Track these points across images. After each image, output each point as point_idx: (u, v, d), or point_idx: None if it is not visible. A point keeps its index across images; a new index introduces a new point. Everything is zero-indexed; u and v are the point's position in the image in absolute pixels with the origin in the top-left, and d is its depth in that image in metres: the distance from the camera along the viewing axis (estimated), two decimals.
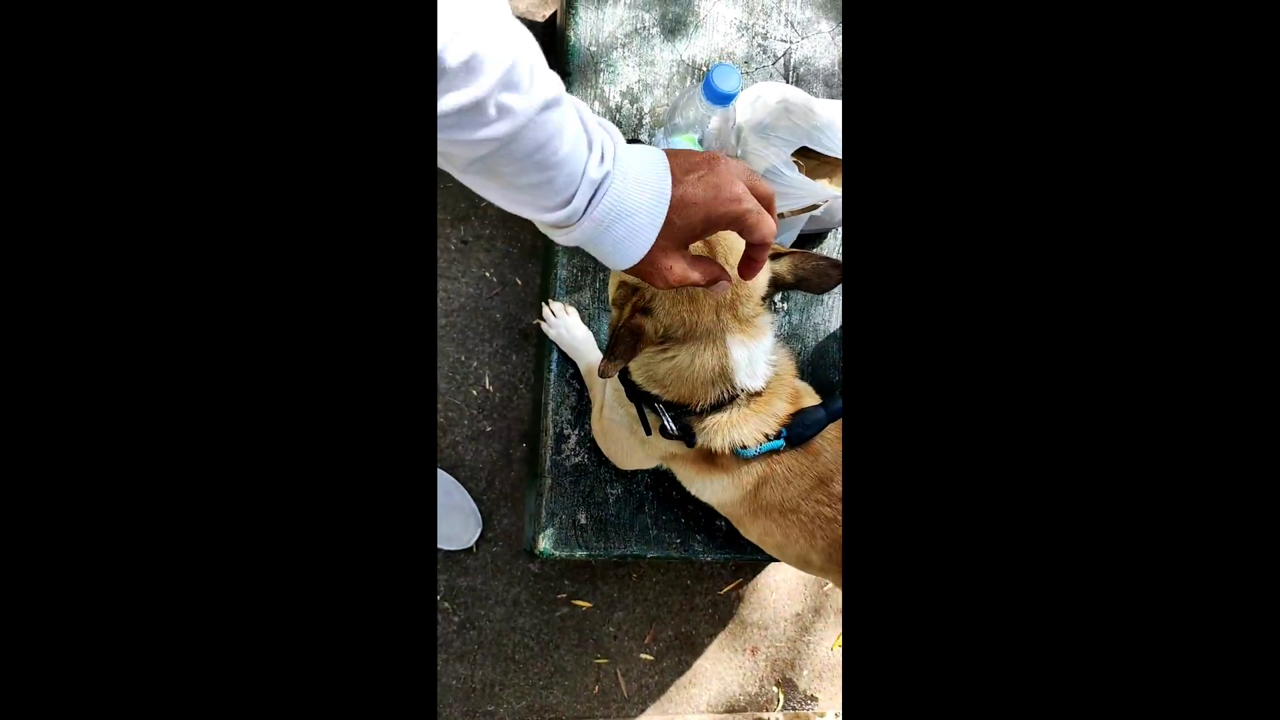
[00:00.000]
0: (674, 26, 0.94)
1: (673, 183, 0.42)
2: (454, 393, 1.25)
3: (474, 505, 1.22)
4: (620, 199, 0.41)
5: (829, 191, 0.70)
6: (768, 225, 0.44)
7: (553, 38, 1.46)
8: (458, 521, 1.18)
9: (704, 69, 0.93)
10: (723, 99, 0.65)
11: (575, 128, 0.39)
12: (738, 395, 0.60)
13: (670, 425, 0.61)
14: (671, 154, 0.44)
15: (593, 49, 0.91)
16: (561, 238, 0.43)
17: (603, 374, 0.54)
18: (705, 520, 0.85)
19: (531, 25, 1.51)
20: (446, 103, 0.33)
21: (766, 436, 0.62)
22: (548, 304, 0.82)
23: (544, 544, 0.80)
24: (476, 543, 1.22)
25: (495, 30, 0.34)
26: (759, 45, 0.95)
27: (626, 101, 0.90)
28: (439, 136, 0.35)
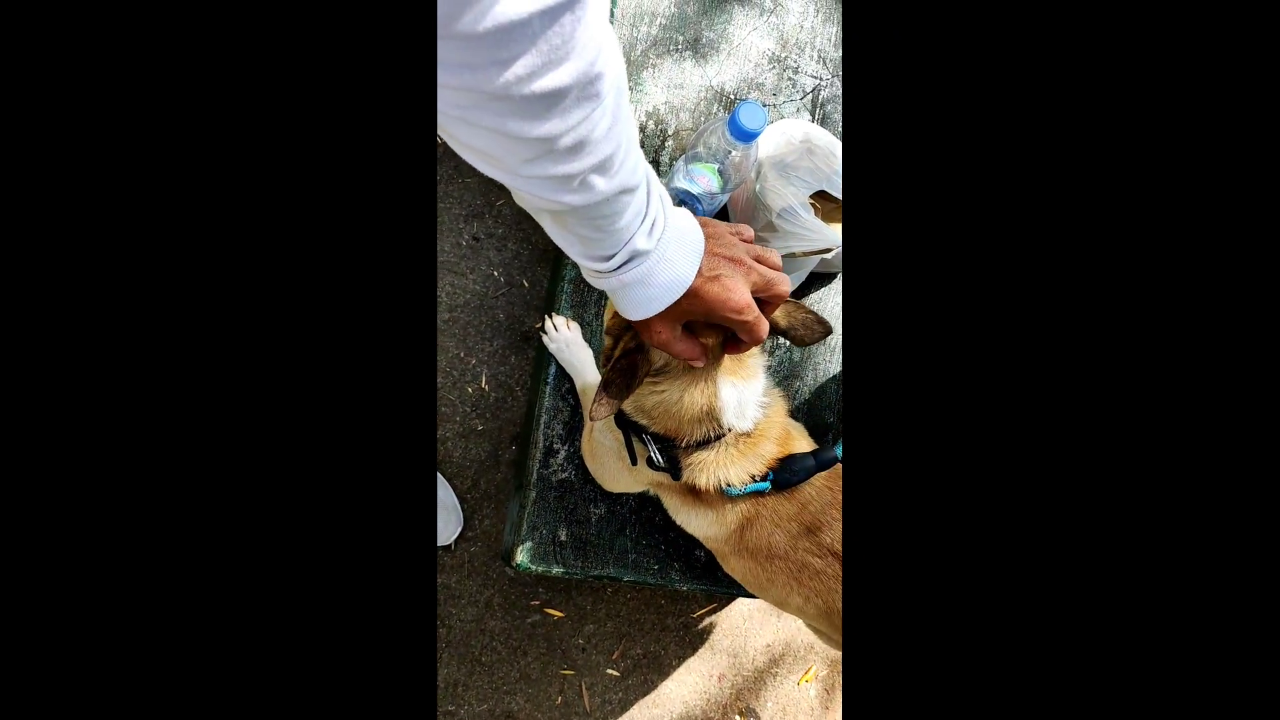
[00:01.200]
0: (706, 52, 0.94)
1: (695, 273, 0.46)
2: (450, 389, 1.25)
3: (457, 502, 1.21)
4: (650, 272, 0.45)
5: (838, 239, 0.70)
6: (760, 332, 0.50)
7: None
8: (439, 518, 1.18)
9: (732, 96, 0.93)
10: (747, 136, 0.65)
11: (640, 204, 0.42)
12: (725, 434, 0.60)
13: (657, 457, 0.61)
14: (707, 240, 0.48)
15: (625, 65, 0.91)
16: (586, 275, 0.47)
17: (593, 417, 0.54)
18: (685, 549, 0.84)
19: None
20: (542, 170, 0.35)
21: (753, 477, 0.62)
22: (551, 317, 0.82)
23: (521, 557, 0.79)
24: (455, 540, 1.21)
25: (610, 120, 0.35)
26: (789, 79, 0.95)
27: (651, 122, 0.90)
28: (521, 184, 0.37)
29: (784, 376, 0.88)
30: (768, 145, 0.77)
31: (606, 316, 0.62)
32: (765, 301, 0.51)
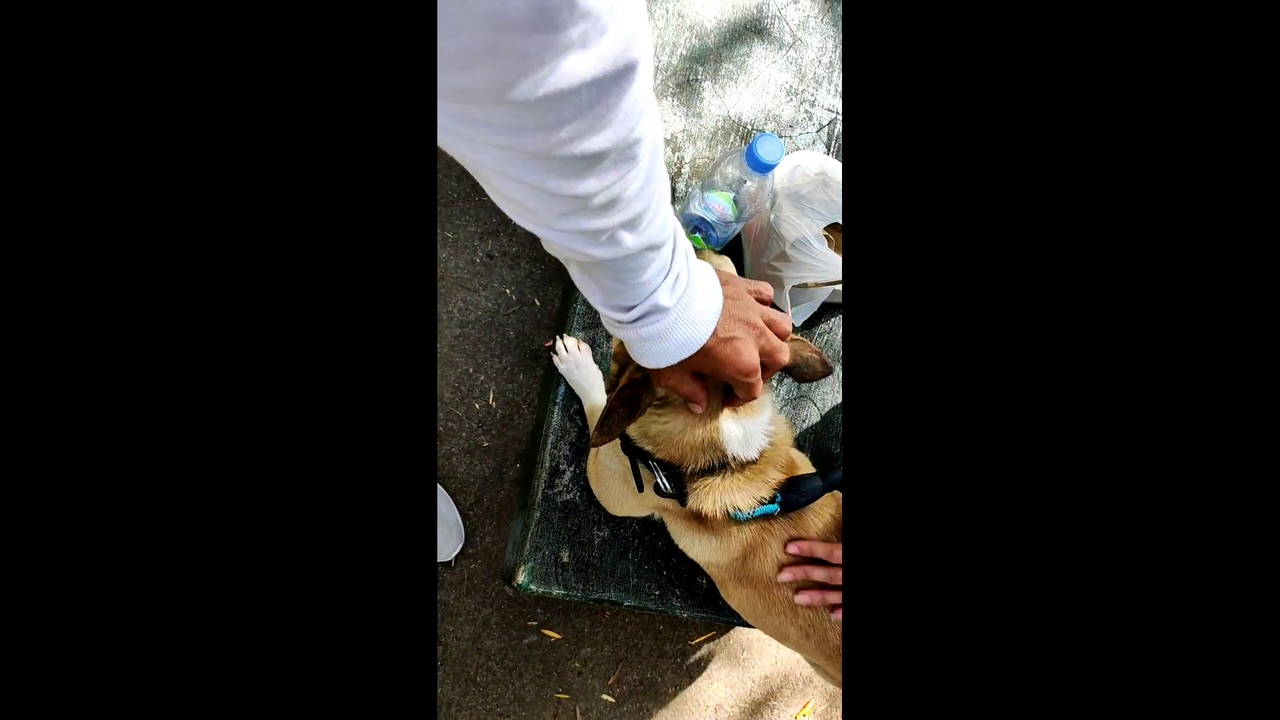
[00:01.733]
0: (724, 82, 0.95)
1: (711, 333, 0.47)
2: (457, 403, 1.26)
3: (459, 518, 1.21)
4: (669, 329, 0.46)
5: None
6: (758, 390, 0.53)
7: None
8: (440, 533, 1.17)
9: (749, 127, 0.94)
10: (763, 168, 0.66)
11: (665, 260, 0.42)
12: (729, 463, 0.60)
13: (664, 484, 0.61)
14: (727, 305, 0.49)
15: None
16: (605, 323, 0.48)
17: (594, 445, 0.54)
18: (687, 575, 0.84)
19: None
20: (574, 224, 0.36)
21: (760, 501, 0.62)
22: (562, 338, 0.83)
23: (523, 577, 0.79)
24: (456, 557, 1.21)
25: (644, 180, 0.36)
26: (805, 111, 0.97)
27: (669, 149, 0.92)
28: (553, 235, 0.38)
29: (790, 403, 0.88)
30: (783, 176, 0.78)
31: (615, 342, 0.63)
32: (764, 365, 0.53)
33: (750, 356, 0.50)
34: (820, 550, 0.63)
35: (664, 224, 0.41)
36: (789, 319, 0.55)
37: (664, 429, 0.58)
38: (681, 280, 0.45)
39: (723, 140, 0.93)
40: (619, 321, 0.46)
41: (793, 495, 0.62)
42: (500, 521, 1.24)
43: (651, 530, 0.83)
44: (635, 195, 0.36)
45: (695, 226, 0.81)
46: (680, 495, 0.61)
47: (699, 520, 0.65)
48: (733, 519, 0.63)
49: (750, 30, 0.98)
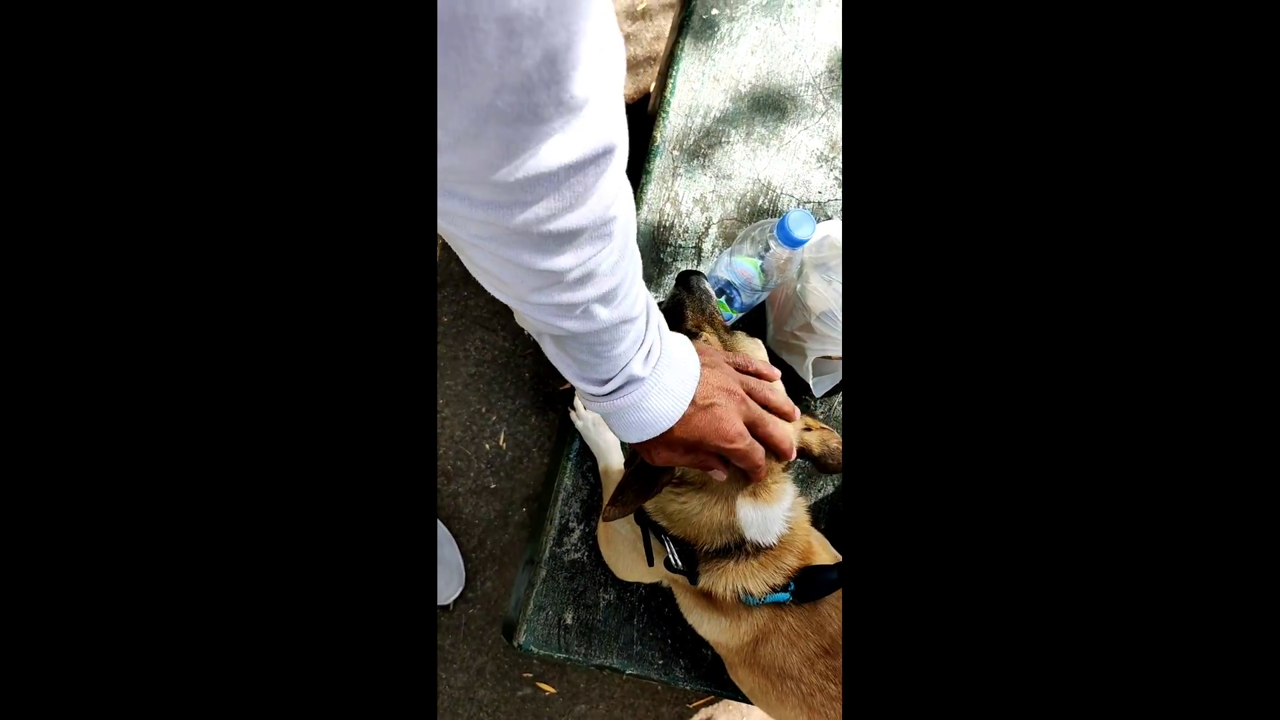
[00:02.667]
0: (755, 146, 0.96)
1: (689, 401, 0.47)
2: (467, 443, 1.25)
3: (461, 561, 1.19)
4: (644, 398, 0.46)
5: None
6: (754, 458, 0.51)
7: (642, 121, 1.52)
8: (441, 576, 1.15)
9: (778, 191, 0.95)
10: (794, 243, 0.66)
11: (638, 333, 0.43)
12: (745, 545, 0.59)
13: (675, 560, 0.59)
14: (703, 367, 0.49)
15: (675, 153, 0.93)
16: (582, 397, 0.48)
17: (605, 519, 0.53)
18: (693, 645, 0.81)
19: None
20: (548, 297, 0.36)
21: (773, 588, 0.60)
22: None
23: (524, 637, 0.77)
24: (455, 601, 1.19)
25: (617, 256, 0.36)
26: (835, 179, 0.97)
27: (698, 209, 0.92)
28: (527, 309, 0.38)
29: (807, 476, 0.87)
30: (812, 247, 0.78)
31: None
32: (762, 441, 0.52)
33: (732, 423, 0.49)
34: None
35: (636, 298, 0.41)
36: (788, 401, 0.54)
37: (681, 509, 0.57)
38: (655, 351, 0.45)
39: (751, 203, 0.94)
40: (594, 395, 0.46)
41: (806, 587, 0.60)
42: (503, 566, 1.22)
43: (658, 596, 0.81)
44: (609, 271, 0.36)
45: (721, 289, 0.81)
46: (691, 573, 0.60)
47: (709, 599, 0.63)
48: (744, 602, 0.61)
49: (784, 96, 0.99)
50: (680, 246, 0.90)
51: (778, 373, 0.58)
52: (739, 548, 0.59)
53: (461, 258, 0.37)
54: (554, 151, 0.27)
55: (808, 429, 0.62)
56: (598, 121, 0.28)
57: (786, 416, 0.53)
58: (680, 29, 1.01)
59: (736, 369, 0.54)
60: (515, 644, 0.77)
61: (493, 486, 1.24)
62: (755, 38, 1.01)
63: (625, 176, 0.34)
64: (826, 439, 0.58)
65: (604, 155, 0.29)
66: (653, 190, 0.91)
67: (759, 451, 0.51)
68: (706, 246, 0.91)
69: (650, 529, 0.61)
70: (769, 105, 0.99)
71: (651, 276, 0.89)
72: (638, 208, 0.91)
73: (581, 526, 0.80)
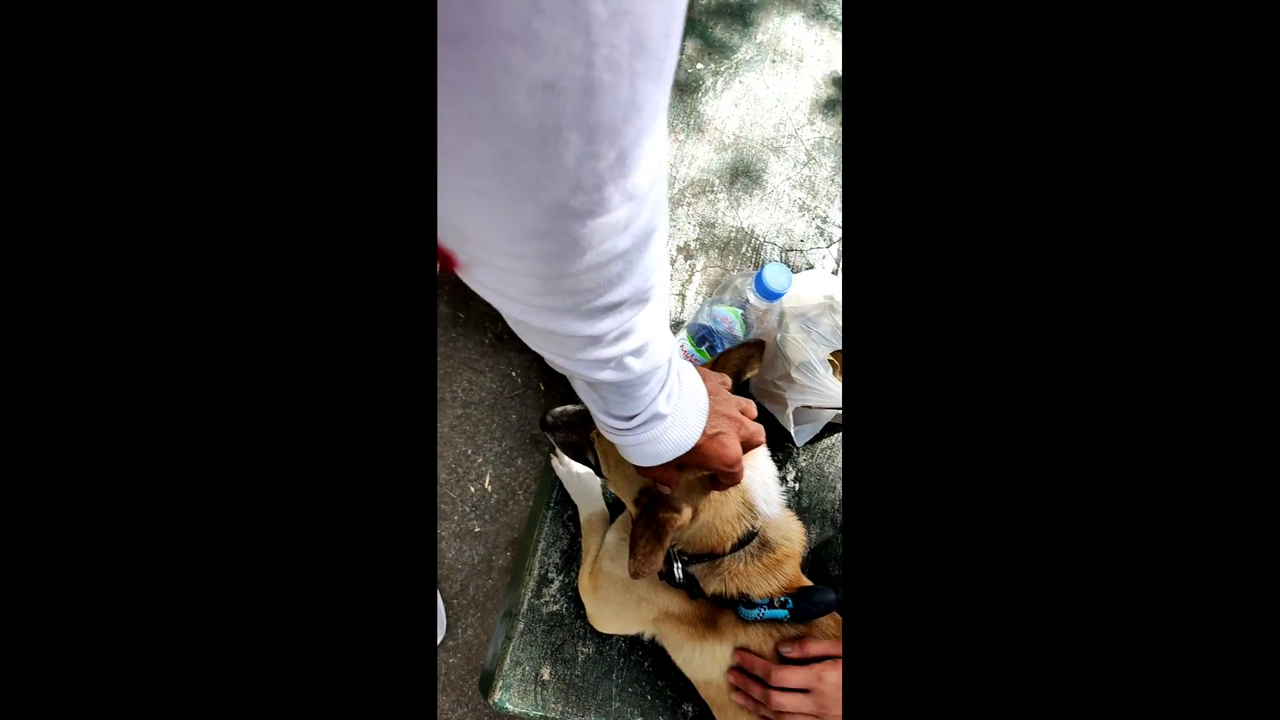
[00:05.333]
0: (739, 195, 0.98)
1: (701, 431, 0.51)
2: (452, 485, 1.24)
3: (443, 607, 1.17)
4: (664, 431, 0.49)
5: None
6: (740, 478, 0.56)
7: None
8: None
9: (761, 239, 0.96)
10: (771, 295, 0.66)
11: (663, 375, 0.45)
12: (755, 533, 0.61)
13: (679, 571, 0.61)
14: (710, 402, 0.52)
15: None
16: (601, 428, 0.50)
17: (634, 575, 0.54)
18: (673, 701, 0.80)
19: None
20: (586, 354, 0.37)
21: (771, 600, 0.61)
22: None
23: (499, 694, 0.75)
24: (436, 648, 1.16)
25: (652, 315, 0.38)
26: (817, 227, 0.99)
27: (681, 256, 0.93)
28: (565, 363, 0.40)
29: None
30: (792, 297, 0.79)
31: (616, 491, 0.64)
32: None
33: (734, 449, 0.53)
34: (759, 666, 0.63)
35: (665, 345, 0.43)
36: (752, 405, 0.58)
37: (699, 524, 0.60)
38: (674, 389, 0.48)
39: (734, 251, 0.95)
40: (616, 429, 0.48)
41: (805, 604, 0.61)
42: (485, 613, 1.20)
43: (638, 649, 0.79)
44: (644, 327, 0.38)
45: (703, 337, 0.82)
46: (694, 586, 0.62)
47: (707, 624, 0.64)
48: (741, 618, 0.63)
49: (766, 147, 1.02)
50: None
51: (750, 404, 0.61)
52: (750, 538, 0.61)
53: (504, 317, 0.39)
54: (615, 239, 0.28)
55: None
56: (651, 207, 0.29)
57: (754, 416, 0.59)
58: None
59: (728, 389, 0.58)
60: (491, 701, 0.75)
61: (477, 530, 1.23)
62: (739, 91, 1.04)
63: (665, 249, 0.36)
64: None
65: (649, 236, 0.31)
66: None
67: (742, 469, 0.56)
68: (690, 294, 0.92)
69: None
70: (752, 156, 1.01)
71: None
72: None
73: (561, 577, 0.79)
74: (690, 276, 0.93)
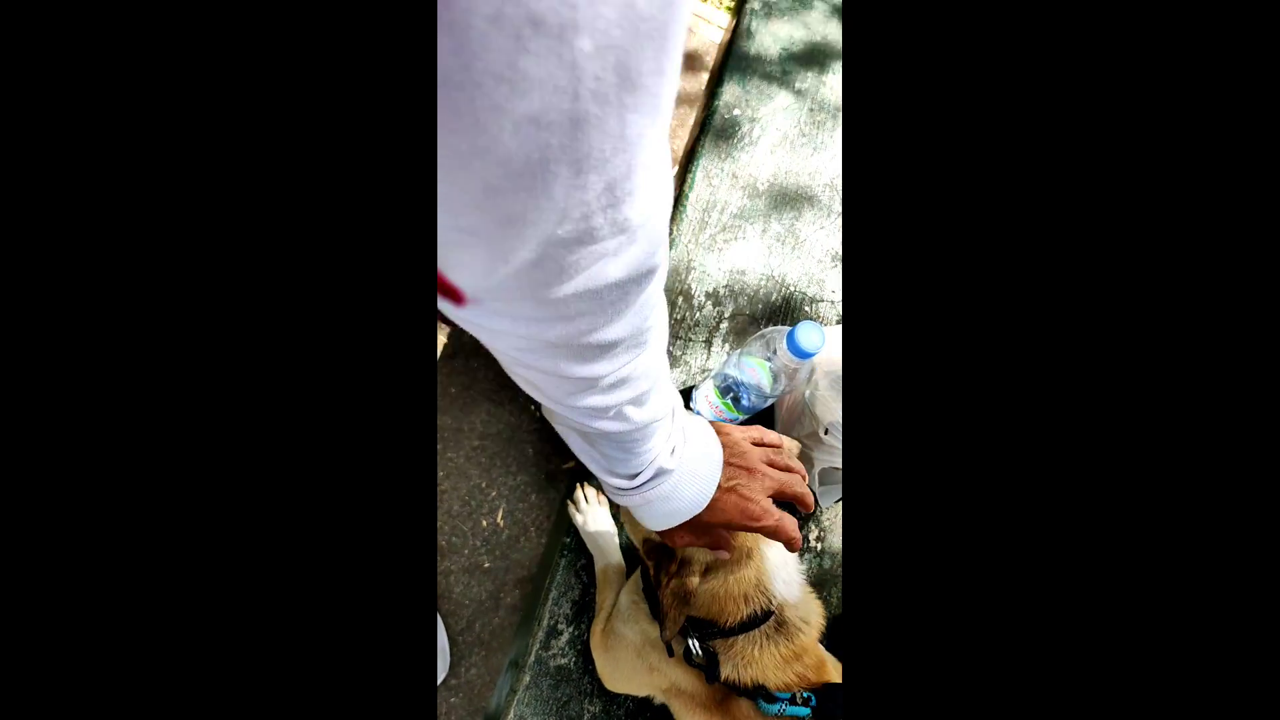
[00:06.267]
0: (771, 244, 0.97)
1: (716, 485, 0.48)
2: (464, 518, 1.22)
3: (447, 644, 1.14)
4: (675, 488, 0.46)
5: None
6: (785, 531, 0.49)
7: None
8: None
9: (791, 289, 0.95)
10: (802, 354, 0.65)
11: (666, 429, 0.43)
12: (771, 613, 0.57)
13: (698, 651, 0.57)
14: (725, 452, 0.49)
15: (690, 246, 0.94)
16: (607, 490, 0.47)
17: (667, 639, 0.52)
18: None
19: None
20: (583, 401, 0.37)
21: (792, 695, 0.57)
22: (584, 485, 0.80)
23: None
24: (438, 686, 1.13)
25: (651, 361, 0.37)
26: None
27: (710, 303, 0.92)
28: (560, 409, 0.39)
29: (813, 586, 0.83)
30: (826, 349, 0.77)
31: (634, 537, 0.61)
32: (787, 501, 0.52)
33: (758, 500, 0.49)
34: None
35: (666, 397, 0.42)
36: (798, 463, 0.54)
37: (708, 587, 0.56)
38: (680, 446, 0.45)
39: (764, 300, 0.94)
40: (620, 489, 0.46)
41: (829, 705, 0.57)
42: (490, 652, 1.17)
43: (646, 711, 0.76)
44: (642, 375, 0.37)
45: (729, 388, 0.80)
46: (712, 669, 0.57)
47: (720, 709, 0.60)
48: (761, 711, 0.58)
49: (801, 196, 1.01)
50: (691, 340, 0.90)
51: (794, 444, 0.57)
52: (764, 617, 0.56)
53: (498, 359, 0.38)
54: (604, 270, 0.28)
55: None
56: (645, 242, 0.29)
57: (800, 474, 0.54)
58: (702, 126, 1.04)
59: (752, 442, 0.54)
60: None
61: (486, 565, 1.21)
62: (775, 138, 1.04)
63: (661, 290, 0.35)
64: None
65: (647, 275, 0.31)
66: (667, 283, 0.91)
67: (790, 522, 0.50)
68: (717, 341, 0.90)
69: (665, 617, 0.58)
70: (786, 204, 1.00)
71: None
72: None
73: (571, 629, 0.77)
74: (718, 324, 0.91)
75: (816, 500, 0.76)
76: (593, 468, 0.45)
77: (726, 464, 0.49)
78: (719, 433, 0.51)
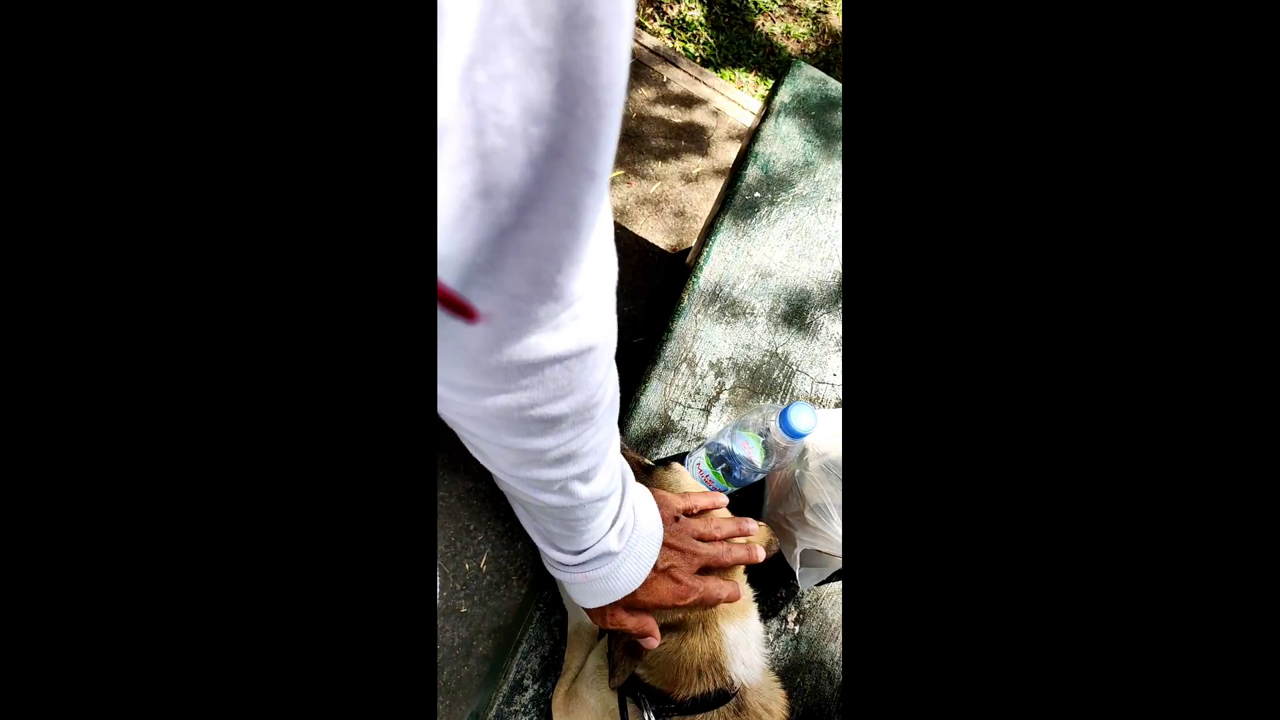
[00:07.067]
0: (778, 321, 1.00)
1: (652, 567, 0.48)
2: (448, 559, 1.21)
3: None
4: (615, 570, 0.46)
5: None
6: (714, 595, 0.51)
7: (678, 271, 1.59)
8: None
9: (794, 367, 0.97)
10: (794, 434, 0.66)
11: (613, 508, 0.43)
12: (730, 694, 0.56)
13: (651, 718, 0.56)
14: (665, 532, 0.49)
15: (699, 316, 0.97)
16: (545, 562, 0.47)
17: (613, 687, 0.52)
18: None
19: (663, 255, 1.66)
20: (527, 473, 0.37)
21: None
22: None
23: None
24: None
25: (599, 437, 0.37)
26: None
27: (713, 373, 0.94)
28: (505, 479, 0.39)
29: (785, 670, 0.81)
30: (820, 431, 0.78)
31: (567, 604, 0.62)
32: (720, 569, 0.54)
33: (689, 583, 0.50)
34: None
35: (614, 474, 0.41)
36: (739, 523, 0.55)
37: (661, 648, 0.55)
38: (629, 526, 0.45)
39: (766, 376, 0.96)
40: (561, 563, 0.45)
41: None
42: (454, 703, 1.14)
43: None
44: (590, 450, 0.37)
45: (721, 458, 0.81)
46: None
47: None
48: None
49: (812, 280, 1.04)
50: (689, 406, 0.92)
51: (723, 499, 0.58)
52: (721, 698, 0.55)
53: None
54: (541, 344, 0.28)
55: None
56: (586, 320, 0.29)
57: (745, 533, 0.56)
58: (724, 203, 1.09)
59: (685, 513, 0.55)
60: None
61: (464, 610, 1.19)
62: (791, 222, 1.08)
63: (613, 362, 0.35)
64: (770, 539, 0.58)
65: (588, 352, 0.30)
66: (672, 348, 0.94)
67: (714, 585, 0.52)
68: (715, 410, 0.92)
69: (625, 690, 0.57)
70: (796, 286, 1.03)
71: (655, 432, 0.90)
72: (654, 362, 0.93)
73: (536, 686, 0.76)
74: (718, 394, 0.93)
75: (795, 576, 0.76)
76: (535, 539, 0.45)
77: (664, 544, 0.49)
78: (660, 505, 0.52)
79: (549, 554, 0.46)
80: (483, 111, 0.18)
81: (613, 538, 0.44)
